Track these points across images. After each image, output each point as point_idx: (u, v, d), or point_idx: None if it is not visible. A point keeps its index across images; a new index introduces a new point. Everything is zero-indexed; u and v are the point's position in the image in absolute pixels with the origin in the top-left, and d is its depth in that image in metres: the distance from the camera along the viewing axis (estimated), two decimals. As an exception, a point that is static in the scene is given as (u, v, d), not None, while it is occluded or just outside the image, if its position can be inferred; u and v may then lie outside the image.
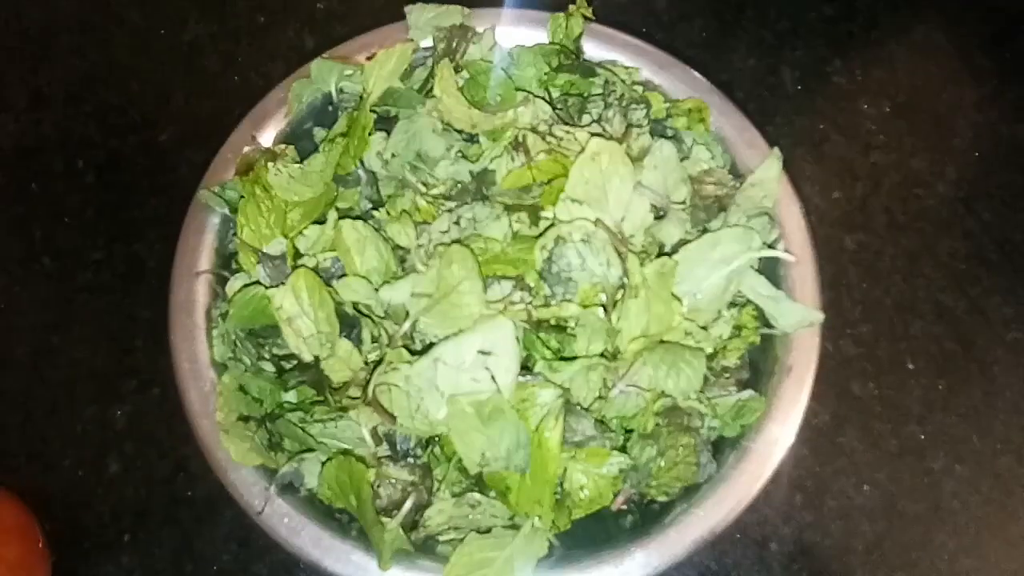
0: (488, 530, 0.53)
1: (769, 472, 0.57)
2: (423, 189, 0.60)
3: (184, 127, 0.85)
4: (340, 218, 0.58)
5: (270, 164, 0.59)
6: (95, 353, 0.75)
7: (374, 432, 0.54)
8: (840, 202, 0.83)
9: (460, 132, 0.62)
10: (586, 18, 0.68)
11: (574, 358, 0.54)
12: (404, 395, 0.52)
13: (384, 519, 0.52)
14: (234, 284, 0.59)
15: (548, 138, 0.59)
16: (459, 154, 0.62)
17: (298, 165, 0.60)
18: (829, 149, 0.85)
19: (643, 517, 0.57)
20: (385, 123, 0.63)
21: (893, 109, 0.87)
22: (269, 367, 0.59)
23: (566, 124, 0.61)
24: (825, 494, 0.72)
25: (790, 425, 0.58)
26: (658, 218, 0.59)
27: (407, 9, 0.67)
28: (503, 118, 0.60)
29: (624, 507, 0.57)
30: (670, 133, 0.65)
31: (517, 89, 0.64)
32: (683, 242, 0.58)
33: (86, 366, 0.75)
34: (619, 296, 0.54)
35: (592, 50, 0.69)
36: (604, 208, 0.55)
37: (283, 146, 0.63)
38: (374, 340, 0.56)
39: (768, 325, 0.59)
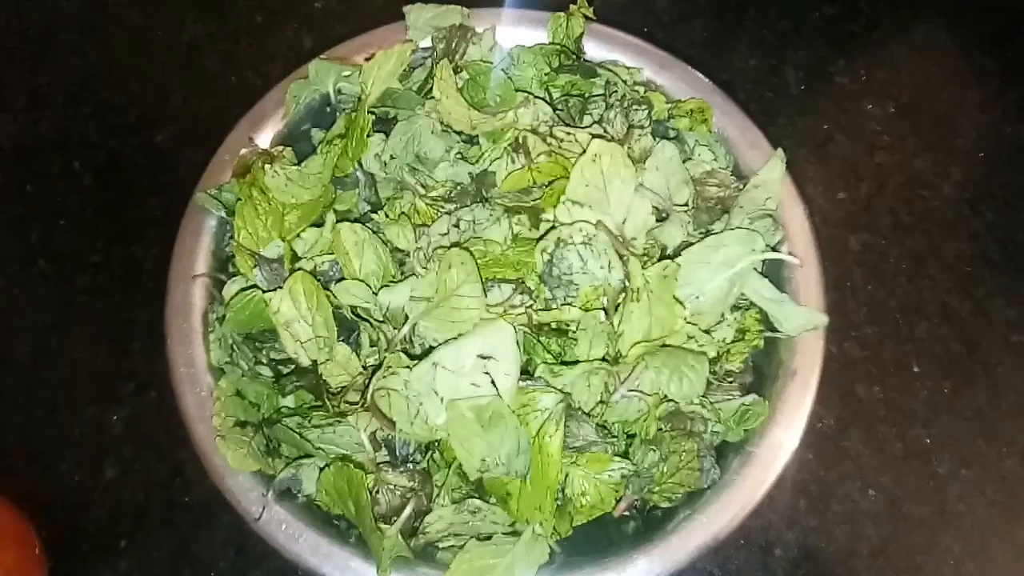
0: (488, 537, 0.52)
1: (773, 477, 0.56)
2: (422, 191, 0.59)
3: (183, 127, 0.85)
4: (338, 221, 0.58)
5: (267, 166, 0.59)
6: (93, 355, 0.75)
7: (373, 437, 0.54)
8: (844, 203, 0.82)
9: (459, 133, 0.62)
10: (587, 18, 0.67)
11: (575, 362, 0.54)
12: (403, 400, 0.51)
13: (383, 526, 0.52)
14: (231, 288, 0.58)
15: (548, 139, 0.59)
16: (458, 156, 0.61)
17: (296, 167, 0.60)
18: (833, 150, 0.85)
19: (645, 523, 0.57)
20: (384, 124, 0.62)
21: (897, 109, 0.86)
22: (266, 371, 0.58)
23: (567, 125, 0.60)
24: (830, 498, 0.71)
25: (794, 429, 0.57)
26: (660, 220, 0.58)
27: (406, 9, 0.67)
28: (503, 119, 0.60)
29: (626, 513, 0.56)
30: (672, 134, 0.64)
31: (517, 90, 0.64)
32: (685, 244, 0.57)
33: (85, 368, 0.75)
34: (621, 299, 0.54)
35: (593, 50, 0.68)
36: (605, 210, 0.55)
37: (280, 148, 0.63)
38: (372, 344, 0.56)
39: (772, 328, 0.59)
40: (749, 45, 0.90)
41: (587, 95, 0.64)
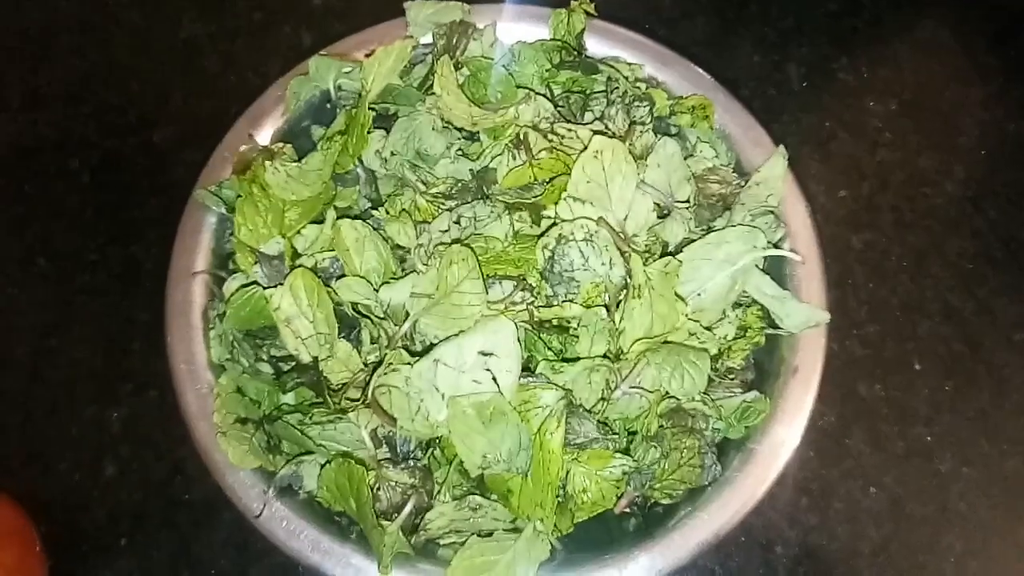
0: (489, 533, 0.52)
1: (774, 474, 0.56)
2: (423, 188, 0.59)
3: (182, 126, 0.84)
4: (339, 217, 0.57)
5: (268, 163, 0.59)
6: (93, 355, 0.75)
7: (374, 434, 0.54)
8: (846, 200, 0.82)
9: (460, 130, 0.62)
10: (588, 14, 0.67)
11: (576, 359, 0.54)
12: (404, 397, 0.51)
13: (384, 522, 0.51)
14: (231, 284, 0.58)
15: (550, 136, 0.59)
16: (459, 152, 0.61)
17: (296, 164, 0.60)
18: (836, 147, 0.84)
19: (647, 520, 0.57)
20: (384, 121, 0.62)
21: (899, 107, 0.86)
22: (267, 368, 0.58)
23: (568, 122, 0.60)
24: (831, 497, 0.71)
25: (796, 427, 0.57)
26: (661, 217, 0.58)
27: (406, 5, 0.66)
28: (504, 115, 0.60)
29: (627, 510, 0.56)
30: (674, 131, 0.64)
31: (518, 86, 0.64)
32: (687, 241, 0.57)
33: (84, 367, 0.74)
34: (622, 296, 0.54)
35: (594, 46, 0.68)
36: (607, 207, 0.54)
37: (281, 144, 0.63)
38: (373, 341, 0.55)
39: (773, 325, 0.58)
40: (752, 42, 0.90)
41: (588, 92, 0.64)
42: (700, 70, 0.68)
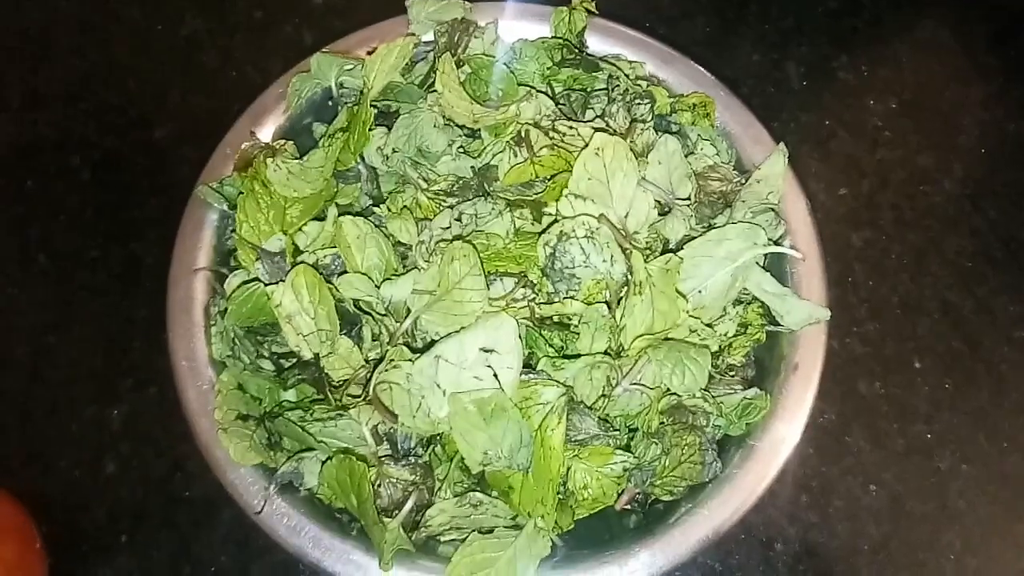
0: (490, 530, 0.52)
1: (775, 471, 0.56)
2: (424, 185, 0.59)
3: (182, 125, 0.84)
4: (340, 214, 0.57)
5: (269, 160, 0.59)
6: (93, 353, 0.75)
7: (374, 431, 0.54)
8: (846, 199, 0.82)
9: (462, 127, 0.62)
10: (589, 12, 0.67)
11: (577, 356, 0.54)
12: (405, 393, 0.51)
13: (385, 519, 0.51)
14: (233, 281, 0.58)
15: (551, 133, 0.59)
16: (461, 149, 0.61)
17: (297, 161, 0.60)
18: (835, 146, 0.85)
19: (647, 517, 0.57)
20: (386, 118, 0.62)
21: (899, 106, 0.86)
22: (268, 365, 0.58)
23: (569, 119, 0.60)
24: (831, 494, 0.71)
25: (796, 424, 0.57)
26: (662, 214, 0.58)
27: (408, 3, 0.66)
28: (505, 113, 0.60)
29: (628, 507, 0.56)
30: (674, 128, 0.64)
31: (519, 84, 0.64)
32: (688, 238, 0.57)
33: (84, 366, 0.74)
34: (623, 293, 0.54)
35: (595, 45, 0.68)
36: (608, 204, 0.54)
37: (282, 142, 0.63)
38: (375, 338, 0.55)
39: (774, 322, 0.58)
40: (751, 41, 0.90)
41: (589, 89, 0.64)
42: (701, 68, 0.68)
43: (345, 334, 0.55)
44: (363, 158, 0.61)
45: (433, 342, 0.52)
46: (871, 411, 0.74)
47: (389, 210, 0.59)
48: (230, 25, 0.90)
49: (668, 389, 0.54)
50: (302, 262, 0.56)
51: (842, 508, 0.71)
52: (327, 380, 0.55)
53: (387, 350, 0.53)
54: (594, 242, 0.53)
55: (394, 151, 0.60)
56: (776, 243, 0.59)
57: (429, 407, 0.51)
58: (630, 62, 0.67)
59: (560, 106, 0.62)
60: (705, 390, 0.55)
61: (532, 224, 0.57)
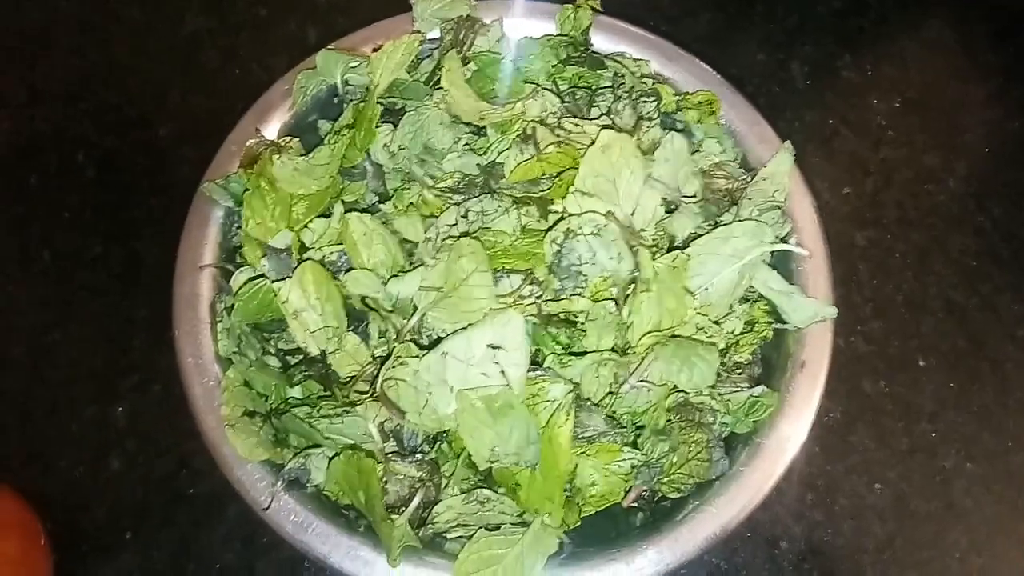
0: (497, 527, 0.52)
1: (781, 469, 0.56)
2: (430, 182, 0.59)
3: (182, 124, 0.84)
4: (346, 211, 0.57)
5: (275, 157, 0.59)
6: (94, 352, 0.74)
7: (381, 428, 0.53)
8: (850, 198, 0.82)
9: (468, 124, 0.62)
10: (594, 10, 0.67)
11: (584, 353, 0.54)
12: (412, 390, 0.51)
13: (392, 516, 0.51)
14: (239, 278, 0.58)
15: (557, 131, 0.59)
16: (467, 147, 0.61)
17: (303, 158, 0.60)
18: (839, 144, 0.84)
19: (654, 514, 0.56)
20: (391, 115, 0.62)
21: (903, 105, 0.86)
22: (275, 362, 0.58)
23: (575, 117, 0.60)
24: (836, 492, 0.71)
25: (803, 422, 0.57)
26: (669, 211, 0.58)
27: (412, 0, 0.66)
28: (511, 110, 0.60)
29: (635, 504, 0.56)
30: (680, 126, 0.64)
31: (525, 81, 0.64)
32: (694, 236, 0.57)
33: (84, 365, 0.74)
34: (630, 290, 0.54)
35: (601, 42, 0.68)
36: (615, 201, 0.54)
37: (288, 139, 0.63)
38: (381, 334, 0.55)
39: (780, 320, 0.58)
40: (756, 40, 0.90)
41: (595, 87, 0.64)
42: (706, 66, 0.68)
43: (352, 330, 0.55)
44: (369, 155, 0.61)
45: (440, 339, 0.52)
46: (876, 410, 0.74)
47: (395, 207, 0.59)
48: (232, 24, 0.90)
49: (675, 386, 0.54)
50: (308, 259, 0.56)
51: (847, 506, 0.71)
52: (334, 377, 0.55)
53: (394, 347, 0.53)
54: (601, 239, 0.53)
55: (400, 148, 0.60)
56: (782, 241, 0.59)
57: (436, 404, 0.51)
58: (635, 60, 0.67)
59: (565, 104, 0.62)
60: (712, 387, 0.55)
61: (539, 221, 0.57)
